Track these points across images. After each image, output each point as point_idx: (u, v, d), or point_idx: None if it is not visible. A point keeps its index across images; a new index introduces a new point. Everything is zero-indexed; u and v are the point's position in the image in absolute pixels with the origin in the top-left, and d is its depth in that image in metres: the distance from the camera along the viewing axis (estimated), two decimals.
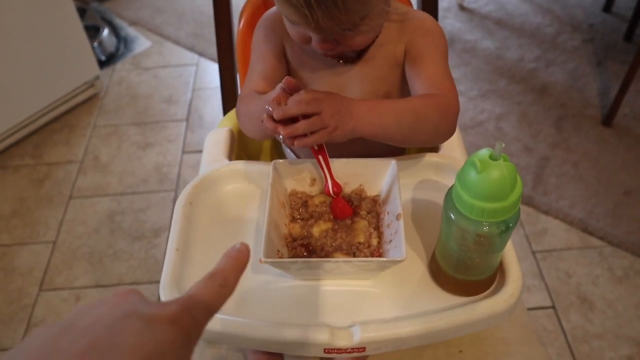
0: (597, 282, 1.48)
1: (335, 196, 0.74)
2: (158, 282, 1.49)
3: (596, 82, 2.06)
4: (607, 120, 1.88)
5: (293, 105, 0.66)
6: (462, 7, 2.44)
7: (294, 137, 0.66)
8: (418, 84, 0.78)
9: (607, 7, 2.39)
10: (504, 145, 0.54)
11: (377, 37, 0.81)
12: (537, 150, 1.82)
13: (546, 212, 1.64)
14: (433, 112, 0.73)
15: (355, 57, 0.82)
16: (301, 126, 0.66)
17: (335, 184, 0.74)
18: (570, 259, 1.54)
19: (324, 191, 0.74)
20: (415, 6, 1.02)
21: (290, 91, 0.70)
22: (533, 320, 1.15)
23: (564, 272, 1.51)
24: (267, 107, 0.68)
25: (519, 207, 0.59)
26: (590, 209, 1.64)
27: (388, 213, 0.70)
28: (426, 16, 0.84)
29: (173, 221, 0.75)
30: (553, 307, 1.43)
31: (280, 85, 0.71)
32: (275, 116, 0.66)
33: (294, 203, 0.75)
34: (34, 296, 1.51)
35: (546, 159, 1.79)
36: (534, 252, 1.55)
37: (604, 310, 1.42)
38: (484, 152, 0.56)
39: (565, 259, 1.54)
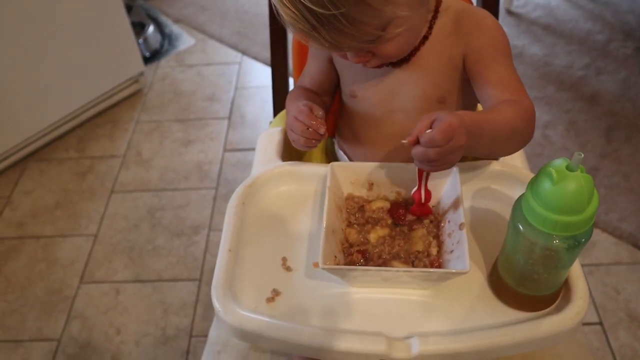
0: None
1: (422, 203, 0.71)
2: (196, 279, 1.51)
3: None
4: None
5: (441, 154, 0.61)
6: (509, 12, 2.39)
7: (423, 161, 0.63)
8: (490, 89, 0.73)
9: None
10: (582, 155, 0.51)
11: (427, 38, 0.77)
12: (586, 160, 1.76)
13: (594, 225, 1.59)
14: (524, 124, 0.69)
15: (405, 60, 0.79)
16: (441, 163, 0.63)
17: (427, 192, 0.70)
18: (619, 274, 1.48)
19: (412, 196, 0.70)
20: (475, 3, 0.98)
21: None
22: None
23: (612, 288, 1.45)
24: None
25: (593, 223, 0.56)
26: None
27: (449, 222, 0.67)
28: (485, 13, 0.79)
29: (225, 221, 0.73)
30: (600, 323, 1.38)
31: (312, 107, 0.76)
32: (422, 141, 0.61)
33: (350, 207, 0.73)
34: (74, 288, 1.52)
35: (595, 170, 1.73)
36: (580, 266, 1.50)
37: None
38: (560, 162, 0.53)
39: (614, 274, 1.48)
